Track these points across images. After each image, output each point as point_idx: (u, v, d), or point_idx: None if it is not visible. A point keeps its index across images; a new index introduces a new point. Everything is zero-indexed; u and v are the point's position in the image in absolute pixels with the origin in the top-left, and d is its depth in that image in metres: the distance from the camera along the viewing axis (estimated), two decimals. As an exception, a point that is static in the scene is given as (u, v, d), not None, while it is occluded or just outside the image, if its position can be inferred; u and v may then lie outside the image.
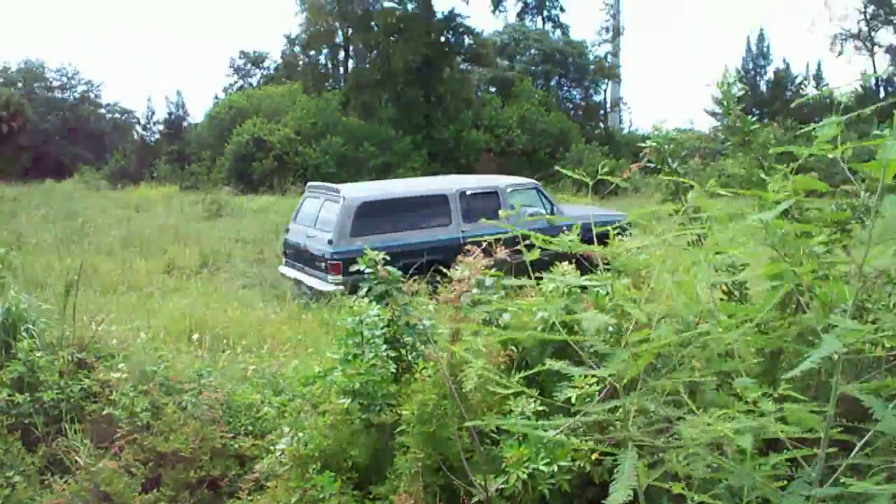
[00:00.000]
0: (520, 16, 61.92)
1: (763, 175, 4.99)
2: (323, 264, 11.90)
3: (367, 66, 46.51)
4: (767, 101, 58.71)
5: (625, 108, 60.62)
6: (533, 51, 56.34)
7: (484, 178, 15.99)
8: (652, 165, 5.05)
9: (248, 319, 9.41)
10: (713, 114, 61.60)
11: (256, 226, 21.75)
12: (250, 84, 56.62)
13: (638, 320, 3.02)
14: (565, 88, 58.33)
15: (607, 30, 58.88)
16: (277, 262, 14.69)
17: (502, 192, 13.67)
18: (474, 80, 50.62)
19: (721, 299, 4.02)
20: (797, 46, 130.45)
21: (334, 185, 13.72)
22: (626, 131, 55.75)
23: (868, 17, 59.59)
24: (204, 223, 22.53)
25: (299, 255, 13.02)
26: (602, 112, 57.93)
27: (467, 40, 48.19)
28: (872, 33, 59.77)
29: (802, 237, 2.88)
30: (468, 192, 13.48)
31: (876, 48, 59.77)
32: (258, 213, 25.11)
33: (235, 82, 58.73)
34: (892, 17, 59.00)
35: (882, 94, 59.25)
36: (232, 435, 5.24)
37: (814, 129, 2.68)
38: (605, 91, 58.27)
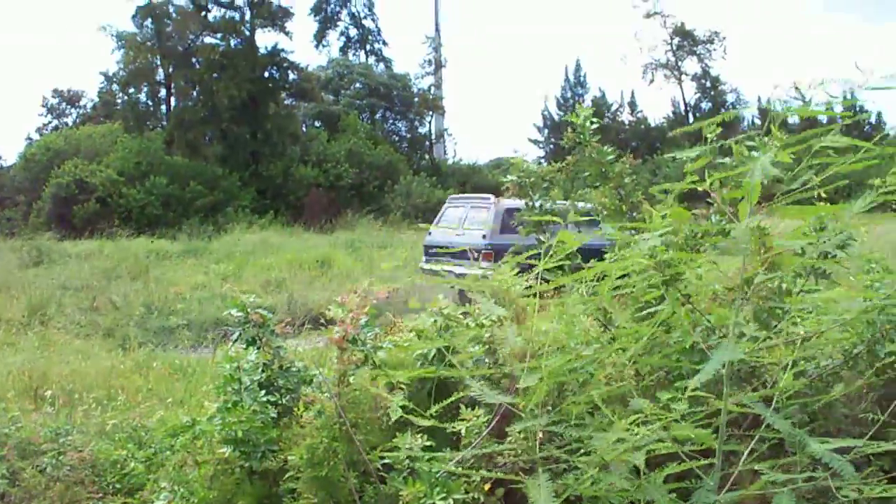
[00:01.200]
0: (343, 50, 62.32)
1: (622, 205, 5.24)
2: (477, 254, 13.33)
3: (191, 103, 45.49)
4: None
5: (450, 139, 61.75)
6: (358, 85, 56.72)
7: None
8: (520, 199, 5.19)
9: (93, 371, 9.00)
10: (536, 142, 63.82)
11: (85, 272, 20.80)
12: (66, 124, 54.28)
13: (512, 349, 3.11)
14: (391, 121, 58.95)
15: (430, 62, 59.87)
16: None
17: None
18: (300, 115, 50.46)
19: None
20: (612, 76, 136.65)
21: (482, 195, 16.99)
22: (451, 161, 56.76)
23: (674, 47, 63.12)
24: (26, 271, 21.36)
25: (445, 252, 15.03)
26: (428, 143, 58.78)
27: (292, 75, 48.05)
28: (679, 63, 63.32)
29: (686, 261, 3.05)
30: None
31: (683, 76, 63.33)
32: (85, 259, 24.02)
33: (49, 122, 56.25)
34: (695, 49, 62.66)
35: (691, 119, 62.81)
36: (100, 495, 5.02)
37: (675, 157, 2.85)
38: (429, 123, 59.18)
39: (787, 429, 2.39)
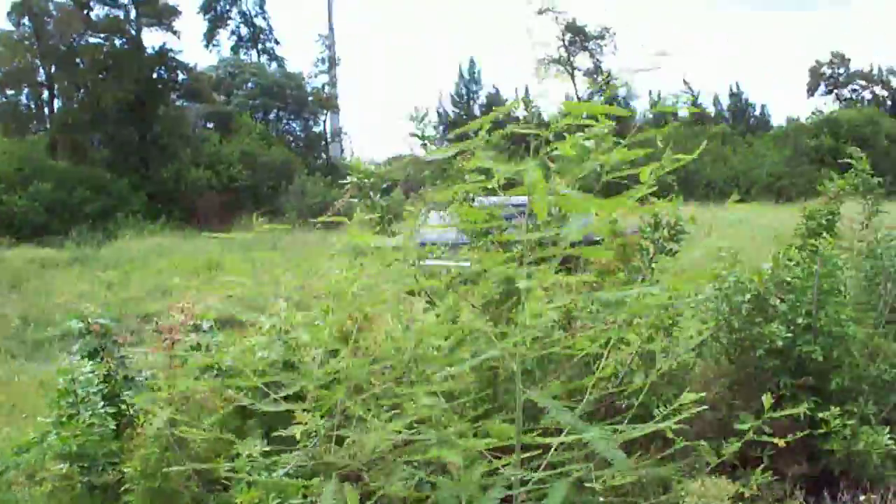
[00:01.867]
0: (234, 49, 61.46)
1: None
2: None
3: (75, 105, 44.20)
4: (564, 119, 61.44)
5: (346, 138, 61.55)
6: (250, 84, 56.00)
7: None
8: (356, 199, 5.21)
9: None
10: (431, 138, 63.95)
11: (-41, 285, 20.05)
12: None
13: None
14: (285, 121, 58.39)
15: (323, 61, 59.50)
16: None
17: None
18: (191, 116, 49.52)
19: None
20: (506, 72, 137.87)
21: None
22: (348, 160, 56.48)
23: (567, 43, 64.10)
24: None
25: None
26: (323, 143, 58.40)
27: (181, 76, 47.15)
28: (572, 58, 64.32)
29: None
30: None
31: (576, 72, 64.37)
32: (-41, 270, 23.11)
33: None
34: (587, 44, 63.74)
35: (584, 114, 63.77)
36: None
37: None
38: (324, 122, 58.83)
39: (567, 419, 2.43)
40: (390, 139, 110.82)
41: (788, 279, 6.12)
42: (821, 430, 5.71)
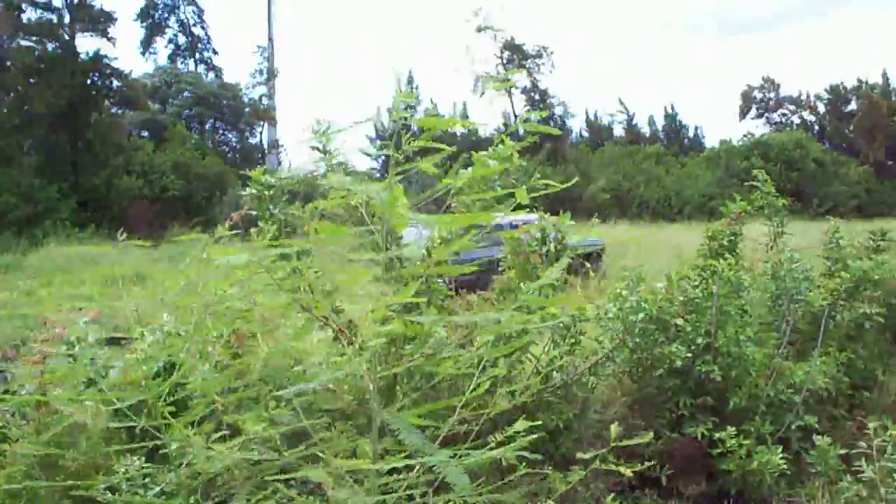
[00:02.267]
0: (171, 58, 60.80)
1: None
2: None
3: (4, 110, 43.21)
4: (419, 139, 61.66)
5: (283, 150, 61.21)
6: (186, 94, 55.39)
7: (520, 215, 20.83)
8: (255, 212, 5.14)
9: None
10: (368, 154, 63.86)
11: None
12: None
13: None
14: (221, 131, 57.86)
15: (261, 72, 59.11)
16: None
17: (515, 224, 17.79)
18: (125, 124, 48.79)
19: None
20: (445, 87, 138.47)
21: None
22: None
23: (504, 61, 64.61)
24: None
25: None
26: (260, 155, 57.95)
27: (115, 82, 46.40)
28: (509, 76, 64.73)
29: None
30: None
31: (513, 89, 64.82)
32: None
33: None
34: (524, 62, 64.30)
35: (521, 131, 64.32)
36: None
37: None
38: (261, 133, 58.40)
39: (414, 442, 2.40)
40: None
41: (688, 299, 6.19)
42: (717, 450, 5.77)
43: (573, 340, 5.95)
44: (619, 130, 71.20)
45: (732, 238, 6.96)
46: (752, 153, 59.51)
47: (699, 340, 6.05)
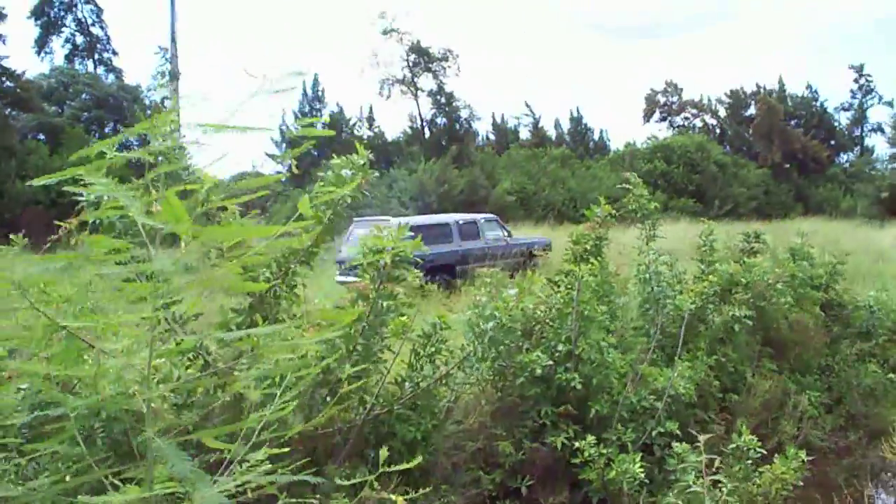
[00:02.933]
0: (68, 58, 58.98)
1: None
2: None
3: None
4: (326, 142, 61.21)
5: (188, 154, 59.68)
6: (84, 96, 53.73)
7: (468, 215, 23.32)
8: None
9: None
10: (274, 157, 63.13)
11: None
12: None
13: None
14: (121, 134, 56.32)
15: (163, 74, 57.78)
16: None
17: (479, 222, 21.38)
18: (18, 126, 47.12)
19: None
20: (350, 90, 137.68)
21: (383, 217, 21.32)
22: (186, 177, 54.97)
23: (411, 64, 64.41)
24: None
25: (353, 267, 16.72)
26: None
27: (7, 83, 44.77)
28: (415, 79, 64.65)
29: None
30: (461, 222, 20.87)
31: (419, 92, 64.71)
32: None
33: None
34: (430, 65, 64.19)
35: (427, 134, 64.40)
36: None
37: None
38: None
39: (180, 469, 2.19)
40: (236, 156, 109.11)
41: (548, 306, 6.08)
42: (577, 459, 5.67)
43: (433, 350, 5.79)
44: (525, 133, 71.72)
45: (597, 242, 6.88)
46: (655, 156, 60.56)
47: (560, 347, 5.94)
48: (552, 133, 71.75)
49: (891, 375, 8.51)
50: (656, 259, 6.94)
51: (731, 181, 61.46)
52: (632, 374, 6.23)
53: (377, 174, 6.82)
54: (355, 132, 64.68)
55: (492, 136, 71.16)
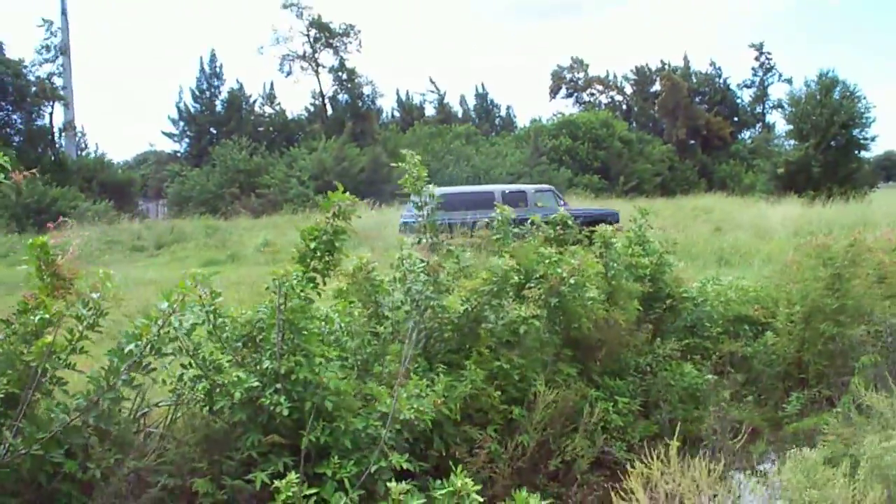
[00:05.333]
0: (-57, 32, 55.96)
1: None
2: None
3: None
4: (224, 120, 59.33)
5: (81, 133, 57.32)
6: (-40, 70, 50.92)
7: (517, 185, 28.06)
8: None
9: None
10: (171, 135, 61.06)
11: None
12: None
13: None
14: (4, 112, 53.49)
15: (48, 48, 55.00)
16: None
17: (528, 192, 22.88)
18: None
19: None
20: (250, 66, 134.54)
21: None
22: (75, 157, 52.67)
23: (312, 39, 62.80)
24: None
25: (410, 228, 19.72)
26: (49, 137, 54.01)
27: None
28: (316, 55, 63.12)
29: None
30: (507, 192, 22.50)
31: (321, 68, 63.21)
32: None
33: None
34: (331, 41, 62.69)
35: (330, 111, 62.92)
36: None
37: None
38: (50, 115, 54.38)
39: None
40: (132, 132, 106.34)
41: (249, 319, 5.02)
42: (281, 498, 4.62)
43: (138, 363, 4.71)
44: (431, 110, 70.66)
45: (332, 237, 5.75)
46: (560, 132, 60.14)
47: (266, 365, 4.89)
48: (458, 110, 70.82)
49: (709, 376, 7.67)
50: (411, 254, 5.92)
51: (636, 157, 61.44)
52: (360, 395, 5.22)
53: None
54: (256, 110, 62.88)
55: (397, 114, 69.96)
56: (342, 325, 5.78)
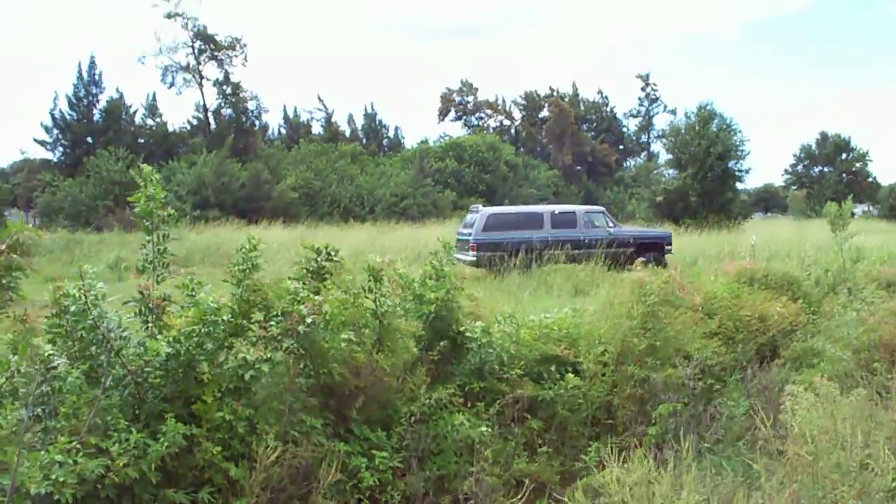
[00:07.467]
0: None
1: None
2: (468, 245, 21.83)
3: None
4: (101, 130, 57.18)
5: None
6: None
7: (567, 206, 29.51)
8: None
9: None
10: (44, 143, 58.44)
11: None
12: None
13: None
14: None
15: None
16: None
17: (578, 213, 23.84)
18: None
19: None
20: (132, 75, 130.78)
21: (477, 206, 24.75)
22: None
23: (197, 51, 61.14)
24: None
25: (462, 244, 21.99)
26: None
27: None
28: (201, 67, 61.49)
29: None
30: (556, 212, 23.68)
31: (205, 81, 61.56)
32: None
33: None
34: (217, 54, 61.16)
35: (213, 125, 61.28)
36: None
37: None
38: None
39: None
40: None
41: None
42: None
43: None
44: (318, 128, 69.64)
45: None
46: (447, 154, 59.91)
47: None
48: (346, 129, 69.94)
49: (483, 428, 6.87)
50: (92, 285, 4.98)
51: (522, 182, 61.59)
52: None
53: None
54: (136, 121, 60.80)
55: (284, 130, 68.70)
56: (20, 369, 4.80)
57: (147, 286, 5.69)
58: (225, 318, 5.52)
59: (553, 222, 22.99)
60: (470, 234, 22.32)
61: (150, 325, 5.64)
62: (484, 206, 26.53)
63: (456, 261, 21.49)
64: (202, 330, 5.35)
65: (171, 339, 5.31)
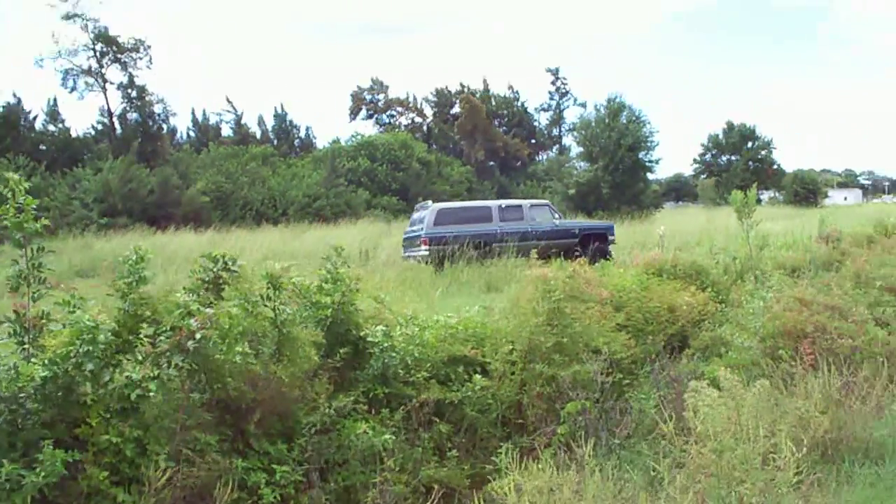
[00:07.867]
0: None
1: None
2: (419, 241, 22.80)
3: None
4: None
5: None
6: None
7: (513, 200, 31.35)
8: None
9: None
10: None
11: None
12: None
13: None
14: None
15: None
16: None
17: (525, 206, 24.88)
18: None
19: None
20: (30, 79, 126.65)
21: (427, 202, 25.95)
22: None
23: (98, 54, 59.53)
24: None
25: (411, 242, 23.76)
26: None
27: None
28: (103, 70, 59.90)
29: None
30: (504, 206, 24.79)
31: (108, 84, 59.99)
32: None
33: None
34: (120, 56, 59.65)
35: (119, 129, 59.75)
36: None
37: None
38: None
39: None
40: None
41: None
42: None
43: None
44: (227, 130, 68.53)
45: None
46: (359, 153, 59.53)
47: None
48: (256, 131, 69.00)
49: (387, 436, 6.70)
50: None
51: (435, 179, 61.56)
52: None
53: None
54: (37, 127, 58.92)
55: (192, 134, 67.41)
56: None
57: (22, 304, 5.37)
58: (104, 336, 5.21)
59: (501, 216, 23.93)
60: (420, 231, 23.03)
61: (26, 346, 5.33)
62: (420, 203, 27.57)
63: (406, 259, 23.56)
64: (80, 350, 5.05)
65: (46, 361, 5.01)
